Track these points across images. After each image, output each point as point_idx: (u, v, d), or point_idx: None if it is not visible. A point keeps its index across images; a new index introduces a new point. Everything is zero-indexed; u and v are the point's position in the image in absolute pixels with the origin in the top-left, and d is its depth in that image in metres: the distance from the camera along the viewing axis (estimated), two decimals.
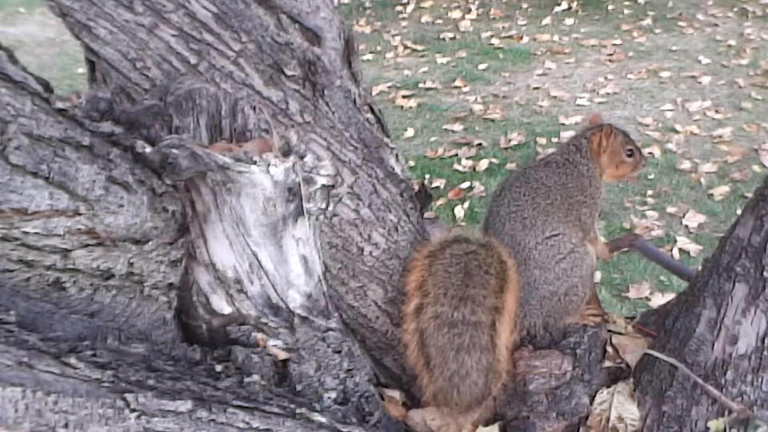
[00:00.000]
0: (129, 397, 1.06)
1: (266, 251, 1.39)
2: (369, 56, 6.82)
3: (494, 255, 1.65)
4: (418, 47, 7.05)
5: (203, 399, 1.17)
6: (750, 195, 1.71)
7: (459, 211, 4.27)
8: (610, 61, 6.40)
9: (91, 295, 1.27)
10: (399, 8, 8.07)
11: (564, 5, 7.72)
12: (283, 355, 1.47)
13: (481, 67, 6.46)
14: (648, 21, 7.18)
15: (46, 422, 0.98)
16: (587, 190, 1.80)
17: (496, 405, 1.69)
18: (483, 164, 4.79)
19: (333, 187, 1.44)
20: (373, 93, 5.65)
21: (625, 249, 2.27)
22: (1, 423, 0.94)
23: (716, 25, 6.97)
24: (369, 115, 1.75)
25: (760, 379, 1.55)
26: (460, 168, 4.79)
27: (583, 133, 1.86)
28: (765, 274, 1.52)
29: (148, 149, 1.28)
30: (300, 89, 1.51)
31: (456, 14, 7.80)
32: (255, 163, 1.30)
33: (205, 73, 1.42)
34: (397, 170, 1.76)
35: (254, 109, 1.45)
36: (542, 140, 5.02)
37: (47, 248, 1.18)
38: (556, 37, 7.00)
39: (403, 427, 1.66)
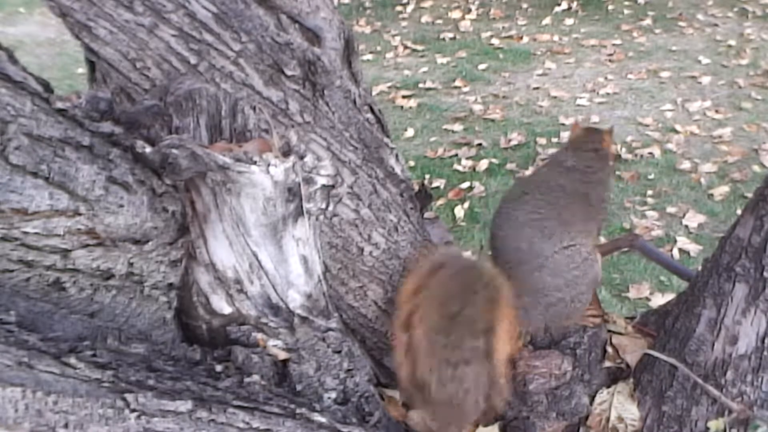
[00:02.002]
0: (129, 397, 1.06)
1: (266, 251, 1.39)
2: (369, 56, 6.82)
3: (481, 275, 1.61)
4: (418, 47, 7.04)
5: (203, 399, 1.17)
6: (750, 195, 1.71)
7: (459, 211, 4.27)
8: (610, 61, 6.40)
9: (91, 295, 1.27)
10: (399, 8, 8.07)
11: (564, 5, 7.72)
12: (283, 355, 1.47)
13: (481, 67, 6.46)
14: (648, 21, 7.17)
15: (46, 422, 0.98)
16: (604, 199, 1.78)
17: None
18: (483, 164, 4.78)
19: (333, 187, 1.44)
20: (373, 93, 5.66)
21: (625, 249, 2.27)
22: (1, 423, 0.94)
23: (716, 25, 6.97)
24: (369, 115, 1.75)
25: (760, 379, 1.55)
26: (460, 168, 4.79)
27: (588, 137, 1.83)
28: (765, 274, 1.52)
29: (148, 149, 1.28)
30: (300, 89, 1.51)
31: (456, 14, 7.79)
32: (255, 163, 1.30)
33: (205, 73, 1.42)
34: (397, 170, 1.76)
35: (254, 109, 1.44)
36: (542, 140, 5.02)
37: (47, 248, 1.18)
38: (556, 37, 6.99)
39: (403, 427, 1.66)
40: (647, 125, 5.14)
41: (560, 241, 1.68)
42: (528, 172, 4.61)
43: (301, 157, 1.37)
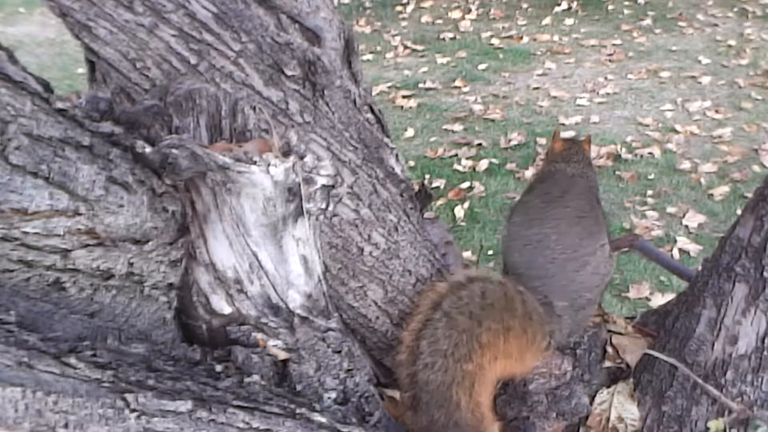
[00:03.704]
0: (129, 397, 1.06)
1: (266, 251, 1.39)
2: (369, 56, 6.82)
3: (491, 297, 1.60)
4: (418, 47, 7.04)
5: (203, 399, 1.17)
6: (750, 195, 1.71)
7: (459, 211, 4.27)
8: (610, 61, 6.40)
9: (91, 295, 1.27)
10: (399, 8, 8.07)
11: (564, 5, 7.72)
12: (283, 355, 1.47)
13: (481, 67, 6.46)
14: (648, 21, 7.18)
15: (46, 422, 0.98)
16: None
17: (496, 406, 1.69)
18: (483, 164, 4.79)
19: (333, 187, 1.44)
20: (373, 93, 5.65)
21: (625, 249, 2.28)
22: (1, 423, 0.94)
23: (716, 25, 6.97)
24: (369, 115, 1.75)
25: (760, 379, 1.55)
26: (460, 168, 4.79)
27: (572, 148, 1.91)
28: (765, 274, 1.52)
29: (148, 149, 1.28)
30: (300, 89, 1.51)
31: (456, 14, 7.80)
32: (255, 163, 1.30)
33: (205, 73, 1.42)
34: (397, 170, 1.76)
35: (254, 109, 1.44)
36: (542, 140, 5.02)
37: (47, 248, 1.18)
38: (556, 37, 7.00)
39: (403, 428, 1.66)
40: (647, 125, 5.14)
41: (597, 240, 1.74)
42: (528, 173, 4.61)
43: (301, 157, 1.37)
